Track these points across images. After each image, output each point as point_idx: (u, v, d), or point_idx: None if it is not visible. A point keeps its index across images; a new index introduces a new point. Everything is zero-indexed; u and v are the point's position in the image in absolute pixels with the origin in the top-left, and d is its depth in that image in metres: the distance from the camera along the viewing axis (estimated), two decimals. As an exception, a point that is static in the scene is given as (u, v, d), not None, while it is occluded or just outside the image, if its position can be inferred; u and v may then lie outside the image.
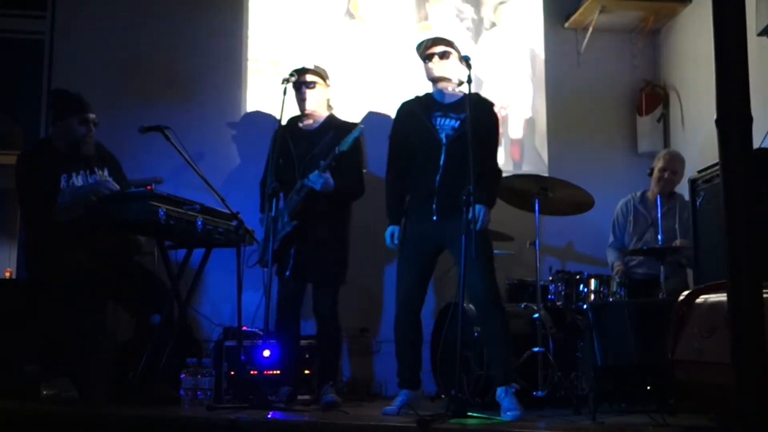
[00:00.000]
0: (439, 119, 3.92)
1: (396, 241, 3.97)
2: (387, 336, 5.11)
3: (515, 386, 3.68)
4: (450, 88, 3.96)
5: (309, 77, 4.34)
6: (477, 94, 4.01)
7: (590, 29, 5.53)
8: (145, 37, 5.37)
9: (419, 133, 3.95)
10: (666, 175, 4.71)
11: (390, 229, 4.00)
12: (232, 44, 5.47)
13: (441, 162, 3.81)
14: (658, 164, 4.77)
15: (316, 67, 4.40)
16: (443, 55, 3.92)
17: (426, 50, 3.96)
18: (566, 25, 5.63)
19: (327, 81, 4.42)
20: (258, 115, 5.39)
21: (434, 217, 3.81)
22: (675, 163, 4.74)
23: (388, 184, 4.08)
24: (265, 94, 5.34)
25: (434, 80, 3.98)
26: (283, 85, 4.17)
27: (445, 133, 3.87)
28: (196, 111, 5.23)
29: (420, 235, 3.88)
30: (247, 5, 5.52)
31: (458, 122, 3.88)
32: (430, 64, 3.95)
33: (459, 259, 3.76)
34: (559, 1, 5.67)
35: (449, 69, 3.93)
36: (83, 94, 4.12)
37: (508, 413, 3.57)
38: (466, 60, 3.78)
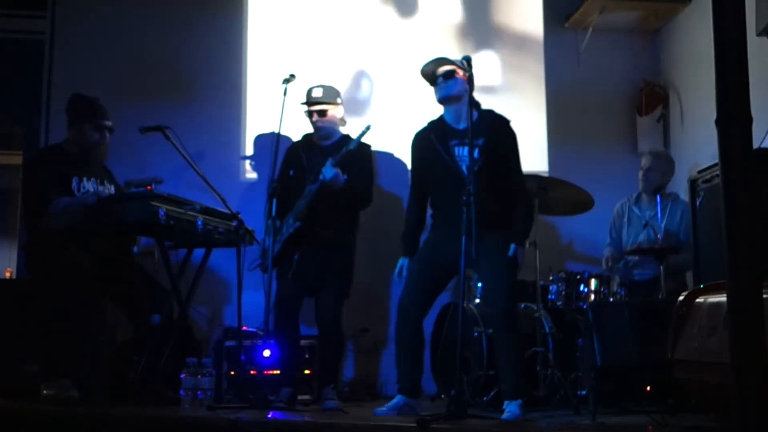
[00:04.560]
0: (456, 149, 3.85)
1: (405, 274, 3.93)
2: (389, 336, 5.12)
3: (521, 401, 3.65)
4: (461, 108, 3.84)
5: (319, 107, 4.36)
6: (491, 112, 3.97)
7: (590, 29, 5.52)
8: (146, 37, 5.37)
9: (438, 165, 3.87)
10: (642, 172, 4.75)
11: (401, 261, 3.97)
12: (232, 44, 5.47)
13: (471, 183, 3.57)
14: (641, 164, 4.83)
15: (324, 90, 4.39)
16: (447, 76, 3.88)
17: (429, 73, 3.94)
18: (566, 25, 5.63)
19: (338, 99, 4.43)
20: (258, 115, 5.39)
21: (463, 237, 3.56)
22: (650, 161, 4.77)
23: (407, 216, 4.07)
24: (265, 94, 5.34)
25: (442, 102, 3.94)
26: (284, 86, 4.19)
27: (465, 164, 3.76)
28: (197, 111, 5.24)
29: (444, 245, 3.77)
30: (247, 6, 5.52)
31: (476, 149, 3.76)
32: (436, 88, 3.93)
33: (487, 281, 3.86)
34: (559, 1, 5.66)
35: (456, 88, 3.86)
36: (95, 98, 4.14)
37: (507, 414, 3.57)
38: (467, 60, 3.78)
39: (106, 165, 4.24)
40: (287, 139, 4.60)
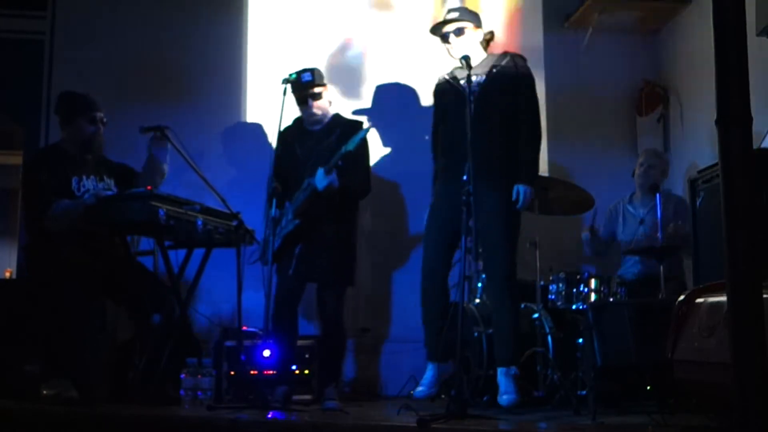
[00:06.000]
0: (467, 80, 3.87)
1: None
2: (390, 336, 5.13)
3: (515, 370, 3.65)
4: (477, 58, 3.93)
5: (315, 90, 4.26)
6: (505, 53, 4.03)
7: (590, 29, 5.52)
8: (146, 37, 5.37)
9: (449, 96, 3.99)
10: (642, 169, 4.77)
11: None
12: (232, 44, 5.47)
13: (468, 120, 3.60)
14: (639, 161, 4.87)
15: (314, 73, 4.30)
16: (458, 33, 3.91)
17: (440, 32, 3.96)
18: (566, 25, 5.63)
19: (324, 80, 4.34)
20: (258, 114, 5.39)
21: (464, 177, 3.55)
22: (651, 158, 4.82)
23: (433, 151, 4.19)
24: (265, 94, 5.34)
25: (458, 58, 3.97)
26: (283, 86, 4.17)
27: (471, 89, 3.78)
28: (196, 111, 5.23)
29: (449, 197, 3.78)
30: (247, 6, 5.52)
31: (483, 77, 3.87)
32: (448, 45, 3.96)
33: (485, 241, 3.82)
34: (559, 1, 5.66)
35: (468, 44, 3.91)
36: (84, 93, 4.14)
37: (504, 396, 3.56)
38: (465, 60, 3.79)
39: (104, 156, 4.23)
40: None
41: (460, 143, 3.62)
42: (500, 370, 3.67)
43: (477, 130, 3.57)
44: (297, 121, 4.41)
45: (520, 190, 3.73)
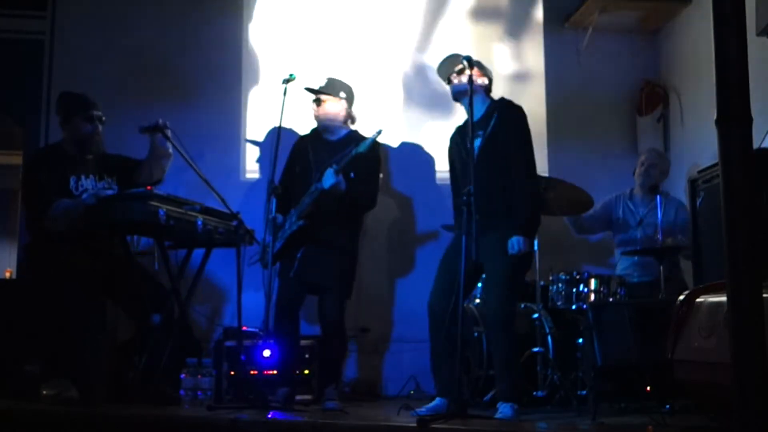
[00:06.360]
0: (475, 141, 3.86)
1: None
2: (390, 336, 5.13)
3: (515, 406, 3.62)
4: (479, 101, 3.90)
5: (317, 96, 4.34)
6: (502, 99, 4.01)
7: (590, 29, 5.52)
8: (146, 37, 5.37)
9: (458, 157, 4.00)
10: (644, 168, 4.78)
11: None
12: (232, 44, 5.47)
13: (472, 180, 3.62)
14: (639, 160, 4.88)
15: (328, 81, 4.36)
16: (461, 73, 3.91)
17: (445, 73, 3.97)
18: (566, 25, 5.63)
19: (341, 93, 4.36)
20: (258, 115, 5.39)
21: (463, 237, 3.59)
22: (654, 157, 4.83)
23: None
24: (265, 94, 5.34)
25: (456, 99, 3.98)
26: (284, 86, 4.17)
27: (474, 152, 3.78)
28: (196, 111, 5.23)
29: (457, 248, 3.75)
30: (247, 6, 5.52)
31: (480, 138, 3.84)
32: (451, 86, 3.97)
33: (487, 279, 3.84)
34: (559, 1, 5.66)
35: (467, 84, 3.86)
36: (81, 93, 4.15)
37: (500, 414, 3.56)
38: (467, 60, 3.79)
39: (105, 152, 4.23)
40: (287, 139, 4.58)
41: (467, 203, 3.59)
42: (499, 403, 3.66)
43: (479, 190, 3.58)
44: (315, 130, 4.46)
45: (513, 243, 3.70)
